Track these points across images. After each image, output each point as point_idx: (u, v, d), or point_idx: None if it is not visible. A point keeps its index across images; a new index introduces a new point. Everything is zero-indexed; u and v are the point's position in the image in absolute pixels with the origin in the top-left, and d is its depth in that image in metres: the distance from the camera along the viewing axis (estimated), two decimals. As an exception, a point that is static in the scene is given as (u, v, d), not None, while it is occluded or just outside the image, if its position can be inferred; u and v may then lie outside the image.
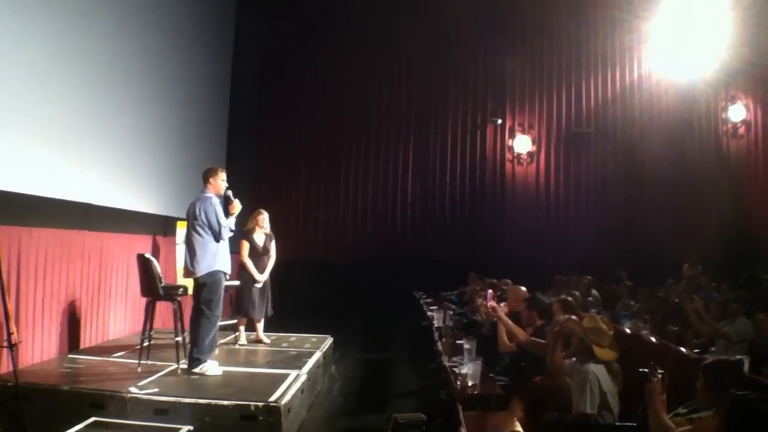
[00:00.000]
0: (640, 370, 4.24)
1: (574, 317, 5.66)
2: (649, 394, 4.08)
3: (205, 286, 7.45)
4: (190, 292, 8.15)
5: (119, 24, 9.59)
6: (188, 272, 7.57)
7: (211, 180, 7.69)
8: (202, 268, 7.43)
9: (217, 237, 7.51)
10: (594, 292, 11.77)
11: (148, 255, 8.04)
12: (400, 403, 8.23)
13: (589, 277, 12.37)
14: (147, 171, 10.64)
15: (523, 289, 7.93)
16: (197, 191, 7.71)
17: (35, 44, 7.45)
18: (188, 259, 7.50)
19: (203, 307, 7.41)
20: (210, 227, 7.45)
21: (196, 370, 7.30)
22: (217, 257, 7.54)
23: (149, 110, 10.70)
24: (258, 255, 9.40)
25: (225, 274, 7.72)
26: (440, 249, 16.48)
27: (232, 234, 7.82)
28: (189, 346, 7.58)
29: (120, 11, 9.61)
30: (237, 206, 7.74)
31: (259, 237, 9.45)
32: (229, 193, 7.76)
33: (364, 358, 11.16)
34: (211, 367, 7.38)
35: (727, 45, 15.06)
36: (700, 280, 12.42)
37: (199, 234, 7.44)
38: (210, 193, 7.63)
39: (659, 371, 4.10)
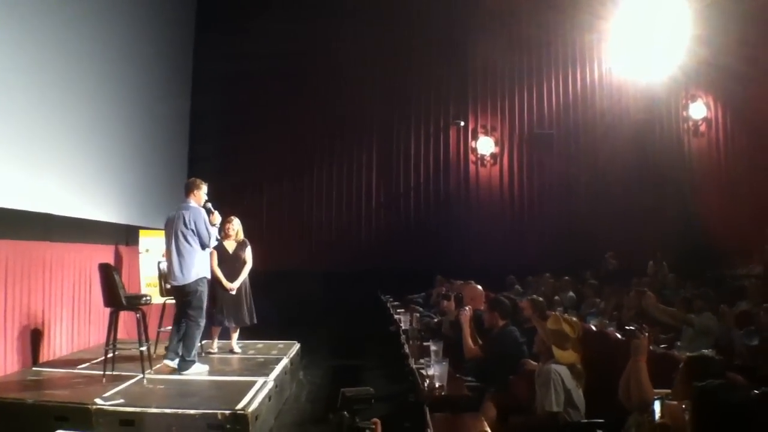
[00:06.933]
0: (627, 327, 4.32)
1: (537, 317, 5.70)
2: (635, 350, 4.16)
3: (195, 293, 7.76)
4: (155, 300, 8.26)
5: (77, 31, 9.47)
6: (176, 279, 7.78)
7: (195, 191, 8.02)
8: (192, 276, 7.74)
9: (204, 245, 7.87)
10: (570, 294, 11.86)
11: (109, 264, 8.00)
12: (368, 407, 8.20)
13: (567, 278, 12.48)
14: (108, 180, 10.49)
15: (479, 287, 7.96)
16: (161, 199, 7.78)
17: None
18: (176, 267, 7.74)
19: (193, 314, 7.76)
20: (199, 236, 7.78)
21: (189, 371, 7.65)
22: (201, 265, 7.89)
23: (109, 119, 10.57)
24: (228, 262, 9.28)
25: (208, 280, 8.09)
26: (406, 253, 16.39)
27: (216, 243, 8.32)
28: (172, 345, 7.91)
29: (77, 16, 9.49)
30: (217, 217, 8.14)
31: (229, 244, 9.34)
32: (209, 205, 8.10)
33: (331, 364, 11.12)
34: (201, 369, 7.81)
35: (685, 45, 15.28)
36: (665, 278, 12.59)
37: (188, 242, 7.74)
38: (194, 204, 7.92)
39: (645, 330, 4.18)
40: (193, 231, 7.72)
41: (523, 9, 17.36)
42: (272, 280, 13.21)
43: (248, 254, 9.47)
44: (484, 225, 16.82)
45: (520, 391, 5.50)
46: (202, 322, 7.92)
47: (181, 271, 7.72)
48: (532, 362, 5.79)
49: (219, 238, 8.44)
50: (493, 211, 17.22)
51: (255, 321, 9.51)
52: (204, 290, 7.93)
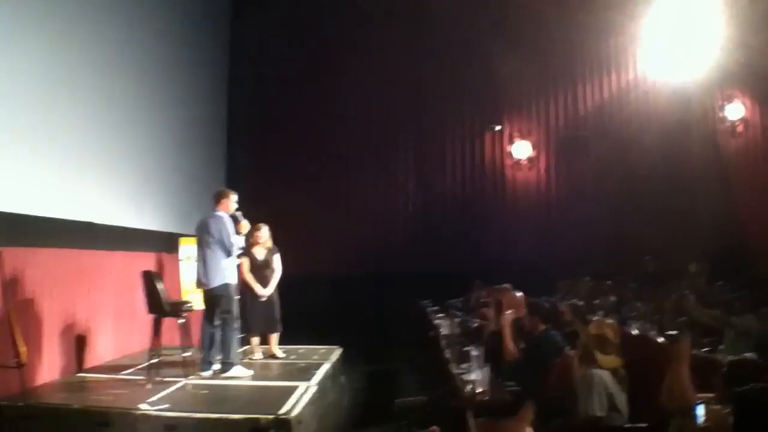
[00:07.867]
0: (668, 333, 4.30)
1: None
2: (677, 355, 4.11)
3: (222, 297, 8.03)
4: (197, 307, 8.38)
5: (115, 37, 9.59)
6: (201, 284, 8.12)
7: (222, 201, 8.29)
8: (216, 281, 7.99)
9: (228, 253, 8.06)
10: (612, 298, 11.69)
11: (152, 272, 8.13)
12: (422, 416, 8.20)
13: (609, 282, 12.33)
14: (149, 188, 10.62)
15: (519, 294, 7.91)
16: (199, 207, 7.94)
17: (36, 64, 7.48)
18: (201, 273, 8.08)
19: (226, 317, 8.05)
20: (221, 244, 8.00)
21: (230, 373, 7.90)
22: (226, 271, 8.09)
23: (149, 127, 10.69)
24: (258, 269, 9.36)
25: (235, 286, 8.32)
26: (443, 257, 16.25)
27: (240, 251, 8.47)
28: (204, 355, 8.10)
29: (114, 23, 9.63)
30: (245, 226, 8.40)
31: (259, 251, 9.41)
32: (238, 213, 8.35)
33: (371, 368, 11.13)
34: (244, 372, 8.05)
35: (720, 46, 15.09)
36: (702, 280, 12.44)
37: (212, 250, 8.02)
38: (221, 212, 8.17)
39: (687, 335, 4.16)
40: (216, 239, 7.99)
41: (554, 11, 17.14)
42: (306, 284, 13.22)
43: (277, 261, 9.54)
44: (521, 229, 16.57)
45: (553, 381, 5.46)
46: (236, 324, 8.20)
47: (206, 275, 8.06)
48: (571, 353, 5.74)
49: (243, 246, 8.58)
50: (531, 215, 17.03)
51: (281, 329, 9.60)
52: (231, 295, 8.18)
